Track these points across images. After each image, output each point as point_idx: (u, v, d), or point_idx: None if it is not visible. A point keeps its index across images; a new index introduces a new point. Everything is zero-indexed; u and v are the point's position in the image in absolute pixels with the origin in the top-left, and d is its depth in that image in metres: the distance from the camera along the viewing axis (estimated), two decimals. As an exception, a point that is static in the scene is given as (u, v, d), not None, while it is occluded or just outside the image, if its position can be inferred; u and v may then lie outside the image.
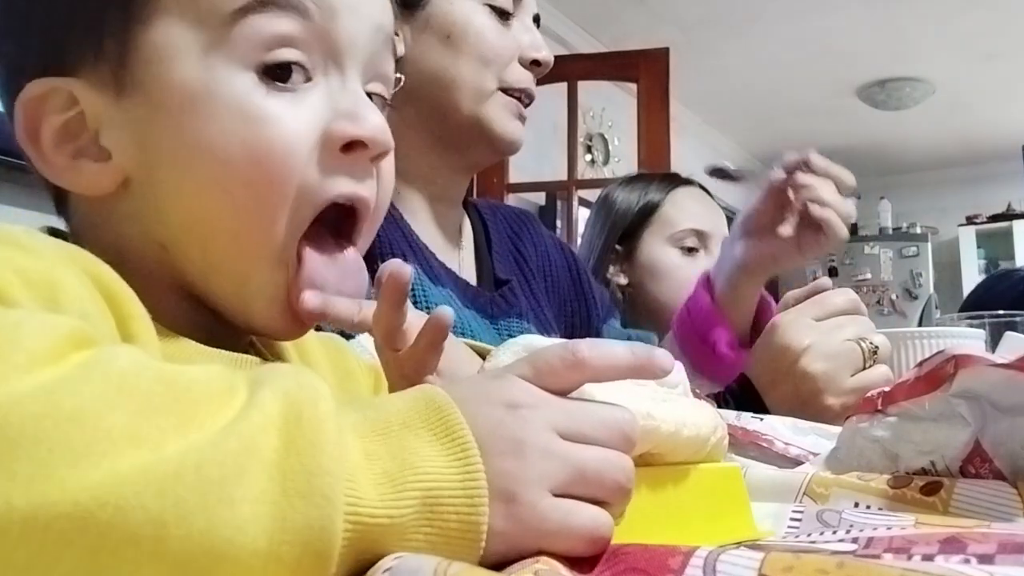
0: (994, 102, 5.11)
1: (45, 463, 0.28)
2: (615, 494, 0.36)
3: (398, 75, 0.90)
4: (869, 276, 5.70)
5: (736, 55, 4.34)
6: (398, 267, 0.48)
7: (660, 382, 0.43)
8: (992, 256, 6.09)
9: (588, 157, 4.23)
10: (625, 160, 4.05)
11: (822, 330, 0.85)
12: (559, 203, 3.63)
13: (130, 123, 0.45)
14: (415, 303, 0.83)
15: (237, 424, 0.31)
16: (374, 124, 0.47)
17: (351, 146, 0.47)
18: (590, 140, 4.25)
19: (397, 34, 0.89)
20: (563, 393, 0.37)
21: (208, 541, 0.29)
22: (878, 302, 5.58)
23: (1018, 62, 4.53)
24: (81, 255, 0.41)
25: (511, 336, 0.92)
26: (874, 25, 4.15)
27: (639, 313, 1.54)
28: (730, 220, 1.15)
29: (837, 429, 0.60)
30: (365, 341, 0.72)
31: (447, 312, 0.49)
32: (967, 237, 6.14)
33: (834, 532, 0.40)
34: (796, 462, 0.62)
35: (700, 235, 1.53)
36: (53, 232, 0.47)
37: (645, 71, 3.09)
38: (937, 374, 0.50)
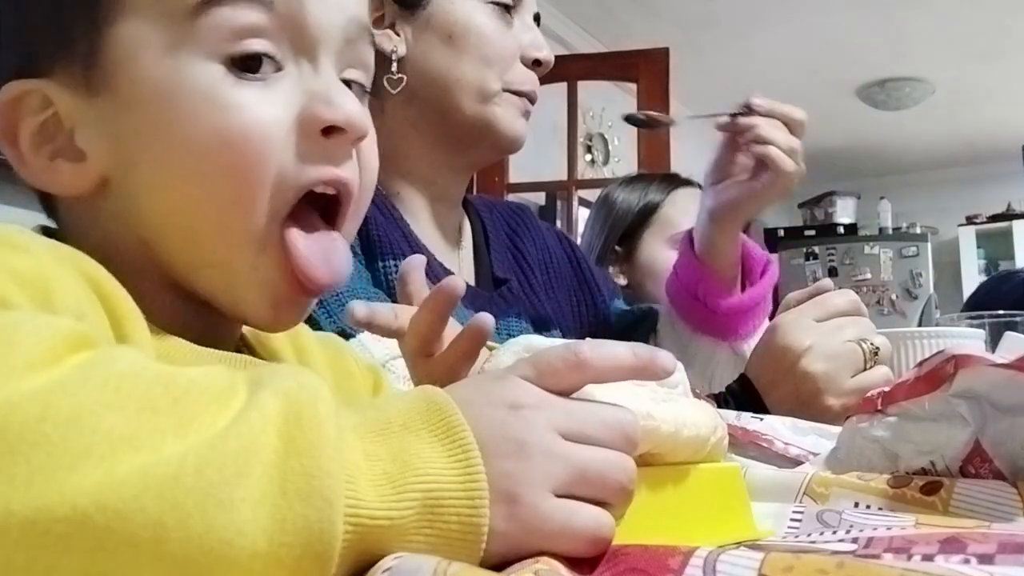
0: (994, 102, 5.11)
1: (43, 466, 0.28)
2: (617, 495, 0.36)
3: (400, 75, 0.90)
4: (869, 276, 5.67)
5: (736, 55, 4.34)
6: (453, 282, 0.50)
7: (661, 382, 0.43)
8: (992, 256, 6.08)
9: (588, 157, 4.23)
10: (625, 160, 4.05)
11: (823, 331, 0.85)
12: (559, 203, 3.63)
13: (103, 122, 0.46)
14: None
15: (236, 425, 0.30)
16: (349, 109, 0.47)
17: (329, 131, 0.47)
18: (590, 140, 4.25)
19: (396, 32, 0.90)
20: (565, 394, 0.37)
21: (207, 543, 0.28)
22: (878, 302, 5.56)
23: (1018, 62, 4.53)
24: (74, 254, 0.41)
25: (510, 336, 0.93)
26: (874, 25, 4.15)
27: (638, 313, 1.54)
28: None
29: (837, 429, 0.60)
30: (367, 341, 0.72)
31: (487, 320, 0.49)
32: (967, 237, 6.13)
33: (834, 532, 0.40)
34: (796, 462, 0.62)
35: None
36: (46, 231, 0.48)
37: (645, 71, 3.09)
38: (937, 374, 0.50)
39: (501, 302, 0.97)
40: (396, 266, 0.84)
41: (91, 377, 0.30)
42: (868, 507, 0.47)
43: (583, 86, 3.03)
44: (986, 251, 6.11)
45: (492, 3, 0.91)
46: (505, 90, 0.91)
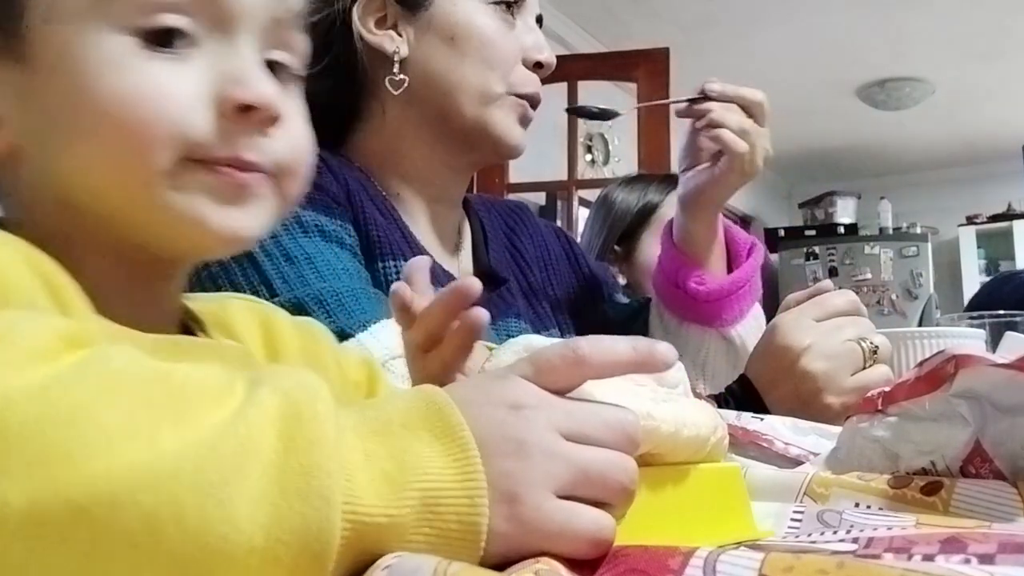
0: (994, 102, 5.11)
1: (40, 461, 0.28)
2: (618, 495, 0.36)
3: (402, 76, 0.90)
4: (869, 276, 5.69)
5: (736, 55, 4.34)
6: (470, 282, 0.50)
7: (660, 382, 0.43)
8: (992, 256, 6.09)
9: (588, 157, 4.23)
10: (625, 160, 4.05)
11: (822, 330, 0.85)
12: (559, 203, 3.64)
13: (14, 89, 0.46)
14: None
15: (235, 422, 0.31)
16: (262, 89, 0.47)
17: (242, 111, 0.47)
18: (590, 140, 4.25)
19: (399, 33, 0.90)
20: (565, 391, 0.37)
21: (204, 539, 0.29)
22: (878, 302, 5.57)
23: (1018, 62, 4.53)
24: (19, 244, 0.41)
25: (509, 336, 0.92)
26: (874, 25, 4.15)
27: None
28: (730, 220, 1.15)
29: (837, 429, 0.60)
30: (366, 340, 0.72)
31: (482, 315, 0.49)
32: (967, 237, 6.14)
33: (834, 532, 0.40)
34: (796, 462, 0.62)
35: None
36: None
37: (645, 71, 3.09)
38: (937, 374, 0.50)
39: (500, 302, 0.97)
40: (396, 266, 0.84)
41: (88, 374, 0.30)
42: (868, 507, 0.47)
43: (583, 86, 3.03)
44: (986, 251, 6.11)
45: (495, 3, 0.91)
46: (508, 93, 0.91)
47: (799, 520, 0.45)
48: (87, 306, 0.42)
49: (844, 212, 6.09)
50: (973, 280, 5.85)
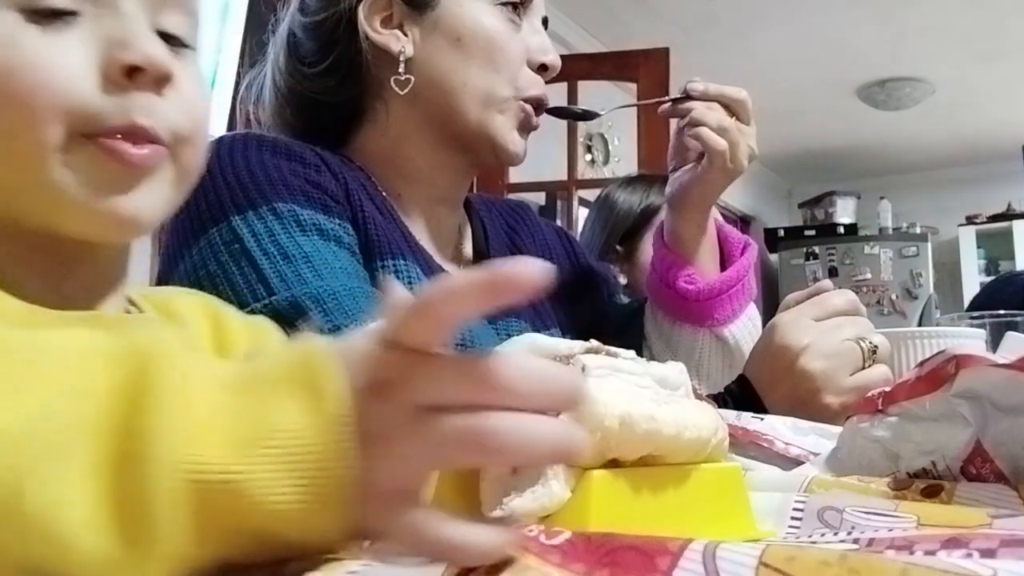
0: (994, 102, 5.11)
1: None
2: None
3: (407, 76, 0.90)
4: (869, 276, 5.70)
5: (736, 55, 4.35)
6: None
7: (663, 384, 0.43)
8: (992, 256, 6.09)
9: (588, 157, 4.23)
10: (625, 160, 4.05)
11: (821, 330, 0.85)
12: (559, 203, 3.64)
13: None
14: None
15: (73, 388, 0.30)
16: (148, 49, 0.48)
17: (130, 74, 0.47)
18: (590, 140, 4.25)
19: (404, 33, 0.89)
20: (433, 343, 0.33)
21: (35, 507, 0.28)
22: (878, 302, 5.58)
23: (1018, 62, 4.53)
24: None
25: (510, 336, 0.92)
26: (874, 25, 4.15)
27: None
28: (730, 222, 1.15)
29: (837, 429, 0.60)
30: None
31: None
32: (967, 237, 6.14)
33: (835, 533, 0.40)
34: (796, 462, 0.62)
35: None
36: None
37: (645, 71, 3.09)
38: (938, 374, 0.50)
39: (501, 302, 0.97)
40: (394, 266, 0.84)
41: None
42: (869, 509, 0.47)
43: (583, 86, 3.03)
44: (986, 251, 6.11)
45: (501, 4, 0.91)
46: (514, 97, 0.91)
47: (799, 520, 0.45)
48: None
49: (844, 212, 6.09)
50: (973, 280, 5.85)
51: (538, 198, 3.70)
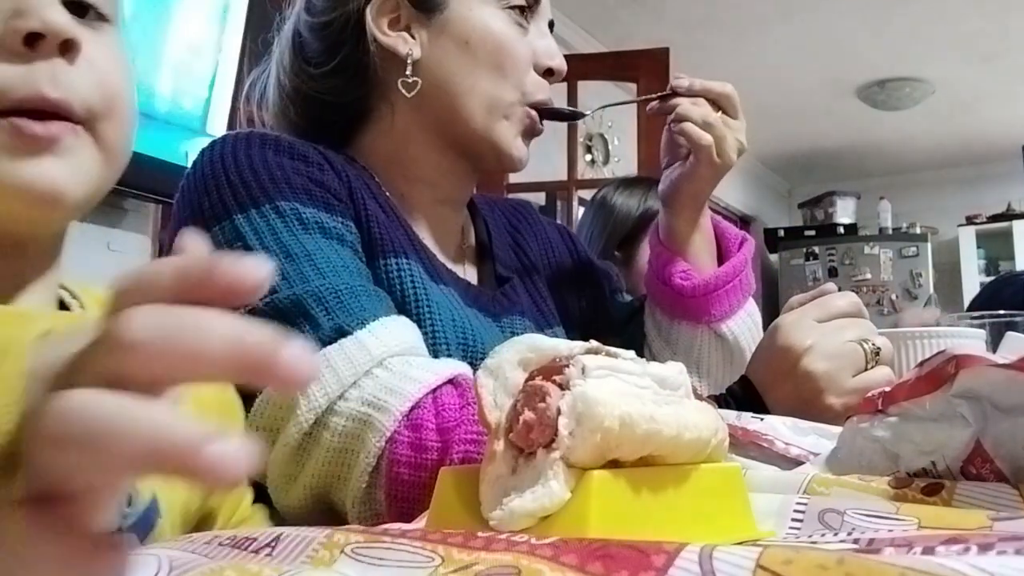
0: (994, 102, 5.12)
1: None
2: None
3: (415, 78, 0.90)
4: (869, 276, 5.70)
5: (736, 55, 4.35)
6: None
7: (662, 384, 0.43)
8: (992, 256, 6.09)
9: (588, 157, 4.23)
10: (625, 160, 4.05)
11: (824, 331, 0.85)
12: (559, 203, 3.64)
13: None
14: (416, 302, 0.83)
15: None
16: (47, 15, 0.46)
17: (31, 42, 0.46)
18: (590, 140, 4.25)
19: (412, 35, 0.89)
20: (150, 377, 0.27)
21: None
22: (878, 302, 5.58)
23: (1018, 62, 4.53)
24: None
25: (514, 334, 0.93)
26: (874, 25, 4.16)
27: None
28: (730, 222, 1.15)
29: (837, 429, 0.60)
30: (364, 338, 0.71)
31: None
32: (967, 237, 6.14)
33: (835, 534, 0.40)
34: (796, 462, 0.62)
35: None
36: None
37: (645, 71, 3.09)
38: (938, 374, 0.50)
39: (504, 300, 0.97)
40: (397, 264, 0.84)
41: None
42: (870, 511, 0.47)
43: (583, 86, 3.03)
44: (986, 251, 6.11)
45: (510, 8, 0.91)
46: (520, 102, 0.91)
47: (800, 520, 0.45)
48: None
49: (844, 212, 6.09)
50: (973, 280, 5.85)
51: (538, 198, 3.71)
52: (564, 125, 3.06)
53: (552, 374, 0.41)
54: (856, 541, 0.37)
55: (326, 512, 0.71)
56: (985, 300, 1.83)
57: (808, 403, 0.83)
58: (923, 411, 0.50)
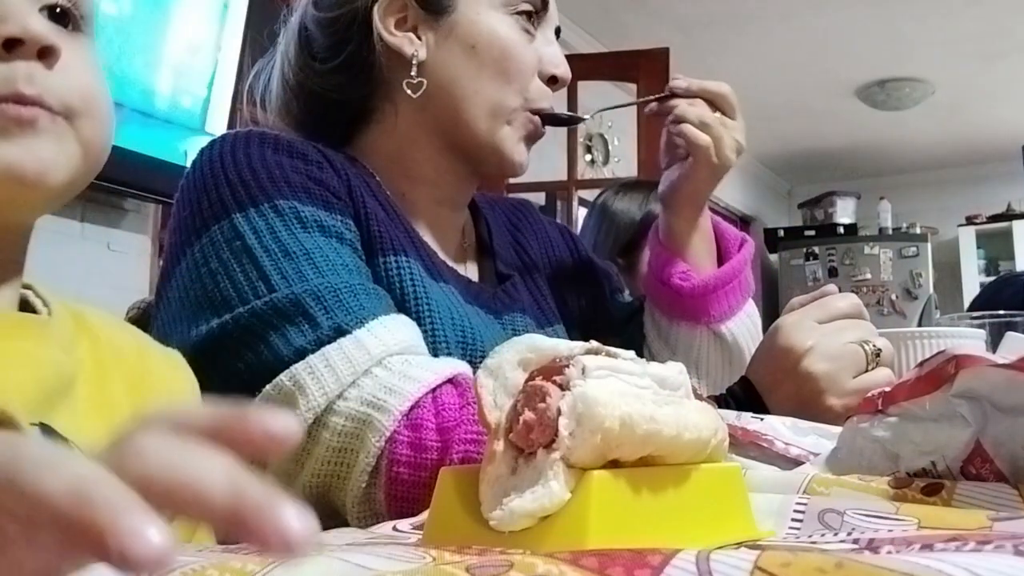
0: (994, 102, 5.12)
1: None
2: None
3: (420, 79, 0.90)
4: (869, 276, 5.70)
5: (736, 55, 4.35)
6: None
7: (662, 385, 0.43)
8: (992, 256, 6.09)
9: (588, 157, 4.23)
10: (625, 160, 4.05)
11: (825, 332, 0.85)
12: (559, 203, 3.64)
13: None
14: (415, 300, 0.83)
15: None
16: (26, 22, 0.48)
17: (10, 47, 0.47)
18: (590, 140, 4.25)
19: (418, 36, 0.89)
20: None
21: None
22: (878, 302, 5.58)
23: (1018, 62, 4.53)
24: None
25: (515, 332, 0.93)
26: (874, 25, 4.16)
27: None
28: (730, 222, 1.15)
29: (837, 429, 0.60)
30: (364, 338, 0.71)
31: None
32: (967, 237, 6.14)
33: (835, 534, 0.40)
34: (796, 462, 0.62)
35: None
36: None
37: (645, 71, 3.10)
38: (938, 374, 0.50)
39: (505, 297, 0.97)
40: (397, 262, 0.83)
41: None
42: (870, 512, 0.47)
43: (583, 86, 3.03)
44: (986, 251, 6.11)
45: (517, 14, 0.91)
46: (523, 108, 0.91)
47: (800, 521, 0.45)
48: None
49: (844, 212, 6.10)
50: (973, 280, 5.85)
51: (538, 198, 3.71)
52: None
53: (552, 374, 0.41)
54: (856, 541, 0.37)
55: (326, 512, 0.71)
56: (985, 301, 1.83)
57: (809, 404, 0.83)
58: (923, 411, 0.50)
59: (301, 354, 0.70)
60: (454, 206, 0.99)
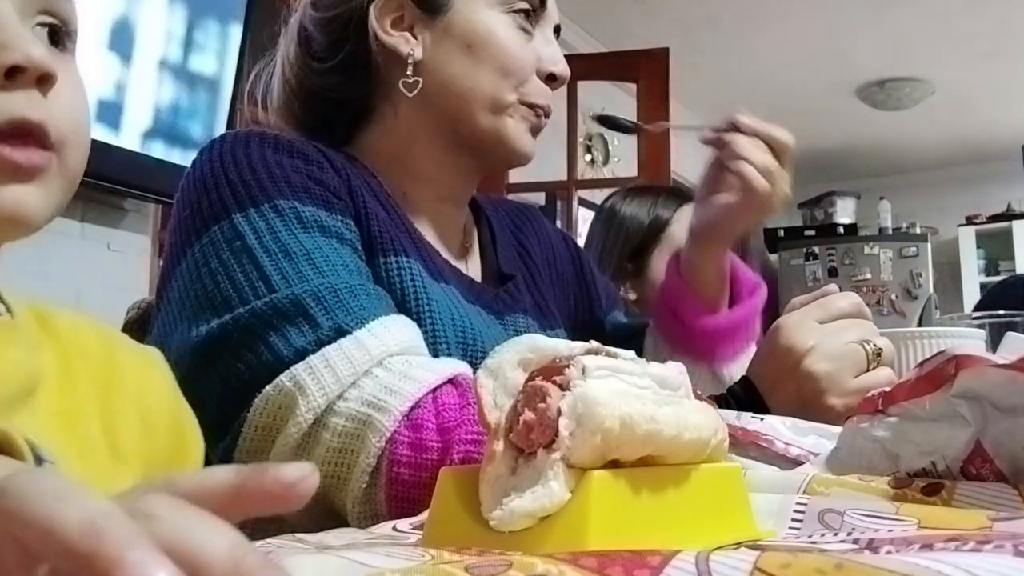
0: (994, 102, 5.12)
1: None
2: None
3: (416, 78, 0.90)
4: (869, 276, 5.69)
5: (736, 55, 4.35)
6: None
7: (662, 385, 0.43)
8: (992, 256, 6.09)
9: (588, 157, 4.23)
10: (625, 160, 4.05)
11: (826, 332, 0.85)
12: (559, 203, 3.64)
13: None
14: (416, 300, 0.83)
15: None
16: (28, 49, 0.48)
17: (10, 74, 0.48)
18: (590, 140, 4.25)
19: (415, 36, 0.89)
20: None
21: None
22: (878, 302, 5.57)
23: (1018, 62, 4.53)
24: None
25: (517, 332, 0.92)
26: (874, 25, 4.16)
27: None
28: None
29: (838, 429, 0.60)
30: (364, 338, 0.71)
31: None
32: (967, 237, 6.14)
33: (835, 534, 0.40)
34: (796, 462, 0.62)
35: None
36: None
37: (645, 71, 3.10)
38: (938, 374, 0.50)
39: (507, 297, 0.97)
40: (398, 262, 0.83)
41: None
42: (869, 512, 0.47)
43: (583, 86, 3.03)
44: (986, 251, 6.11)
45: (515, 12, 0.91)
46: (520, 102, 0.91)
47: (800, 520, 0.45)
48: None
49: (844, 212, 6.09)
50: (973, 280, 5.85)
51: (538, 198, 3.71)
52: (563, 124, 3.06)
53: (552, 374, 0.41)
54: (856, 541, 0.37)
55: (326, 512, 0.71)
56: (989, 305, 1.83)
57: (810, 404, 0.83)
58: (923, 411, 0.50)
59: (301, 354, 0.70)
60: (456, 202, 0.99)
